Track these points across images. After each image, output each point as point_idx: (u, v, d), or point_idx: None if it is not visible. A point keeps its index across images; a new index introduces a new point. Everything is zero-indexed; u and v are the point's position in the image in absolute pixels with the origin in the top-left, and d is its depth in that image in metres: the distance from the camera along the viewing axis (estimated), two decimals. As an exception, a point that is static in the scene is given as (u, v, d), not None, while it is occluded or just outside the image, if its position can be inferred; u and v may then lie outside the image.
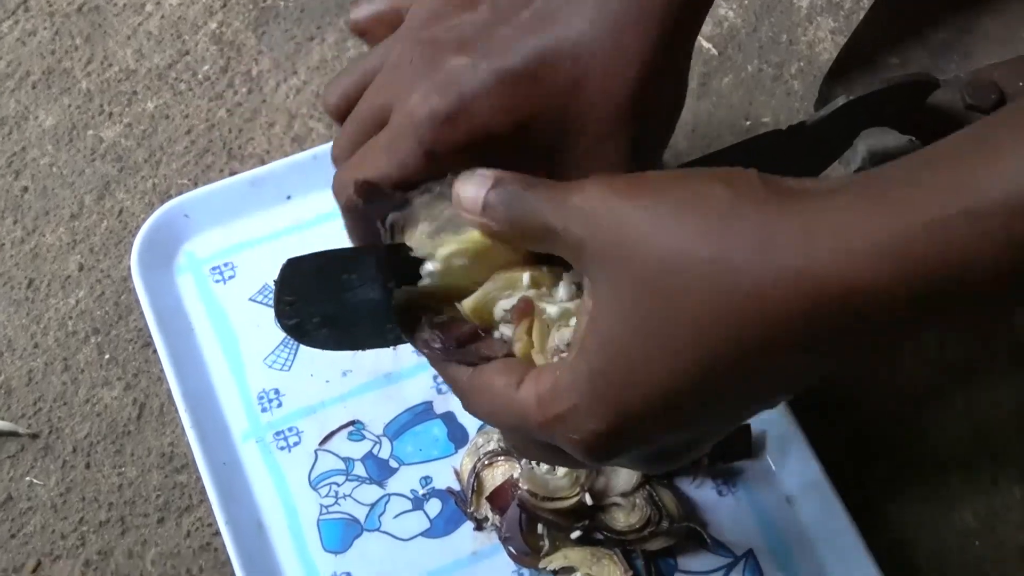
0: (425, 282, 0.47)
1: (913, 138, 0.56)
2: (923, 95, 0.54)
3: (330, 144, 0.76)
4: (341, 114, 0.53)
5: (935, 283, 0.34)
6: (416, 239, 0.48)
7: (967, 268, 0.34)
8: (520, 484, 0.63)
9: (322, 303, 0.49)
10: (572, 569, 0.63)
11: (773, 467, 0.67)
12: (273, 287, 0.50)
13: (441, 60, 0.46)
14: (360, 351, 0.70)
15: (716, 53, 0.82)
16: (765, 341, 0.36)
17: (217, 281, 0.73)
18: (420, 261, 0.48)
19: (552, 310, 0.43)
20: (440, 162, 0.46)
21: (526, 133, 0.45)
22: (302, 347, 0.70)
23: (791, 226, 0.36)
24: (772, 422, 0.67)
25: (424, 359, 0.70)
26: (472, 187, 0.43)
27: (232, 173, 0.77)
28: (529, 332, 0.43)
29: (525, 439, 0.44)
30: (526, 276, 0.44)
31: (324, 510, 0.67)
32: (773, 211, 0.36)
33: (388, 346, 0.54)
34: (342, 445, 0.68)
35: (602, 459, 0.41)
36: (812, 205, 0.36)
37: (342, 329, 0.51)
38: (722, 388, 0.37)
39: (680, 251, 0.36)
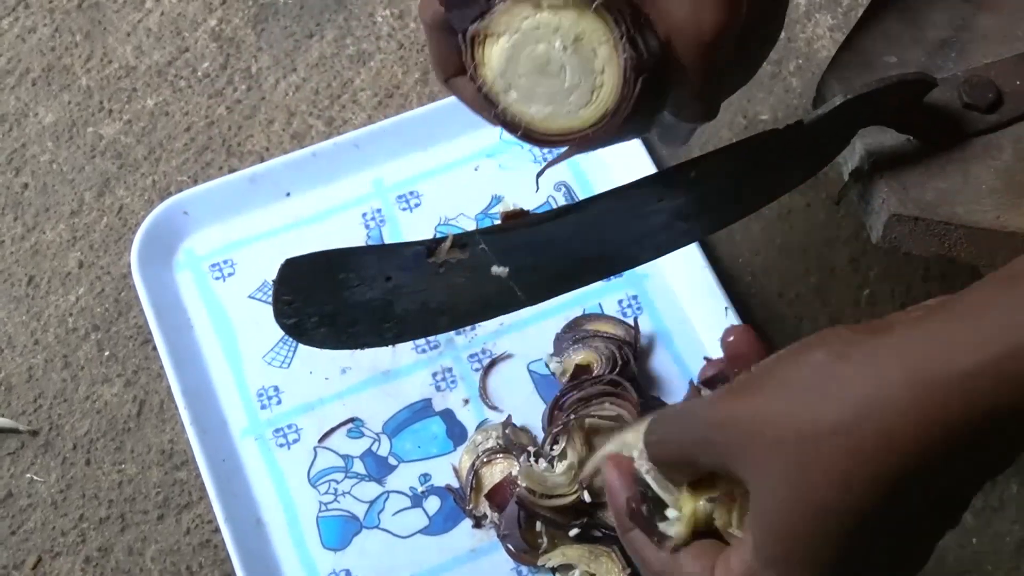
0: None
1: (911, 137, 0.56)
2: (920, 94, 0.54)
3: (329, 141, 0.76)
4: None
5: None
6: (491, 65, 0.47)
7: None
8: (519, 481, 0.63)
9: (320, 302, 0.50)
10: (570, 567, 0.63)
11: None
12: (272, 285, 0.50)
13: None
14: (359, 349, 0.71)
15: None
16: (893, 481, 0.37)
17: (217, 278, 0.73)
18: None
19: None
20: None
21: None
22: (301, 345, 0.71)
23: (885, 362, 0.37)
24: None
25: (423, 357, 0.71)
26: (623, 478, 0.46)
27: (231, 170, 0.77)
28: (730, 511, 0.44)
29: None
30: None
31: (323, 507, 0.67)
32: (866, 353, 0.38)
33: (386, 344, 0.54)
34: (341, 442, 0.69)
35: None
36: (899, 338, 0.38)
37: (341, 328, 0.51)
38: (879, 532, 0.38)
39: (796, 426, 0.38)
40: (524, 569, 0.65)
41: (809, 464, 0.38)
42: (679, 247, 0.55)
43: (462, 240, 0.51)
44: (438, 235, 0.68)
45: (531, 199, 0.72)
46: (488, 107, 0.48)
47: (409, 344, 0.71)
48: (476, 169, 0.77)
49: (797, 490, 0.38)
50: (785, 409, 0.39)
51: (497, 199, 0.75)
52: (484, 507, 0.65)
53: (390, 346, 0.70)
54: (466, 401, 0.70)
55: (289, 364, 0.71)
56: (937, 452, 0.36)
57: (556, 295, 0.55)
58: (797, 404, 0.39)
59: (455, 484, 0.67)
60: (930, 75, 0.54)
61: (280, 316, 0.49)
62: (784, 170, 0.56)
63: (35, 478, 0.69)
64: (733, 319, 0.70)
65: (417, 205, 0.76)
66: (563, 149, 0.49)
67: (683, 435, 0.43)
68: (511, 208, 0.53)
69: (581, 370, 0.68)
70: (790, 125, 0.53)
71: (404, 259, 0.50)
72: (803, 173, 0.56)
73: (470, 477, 0.66)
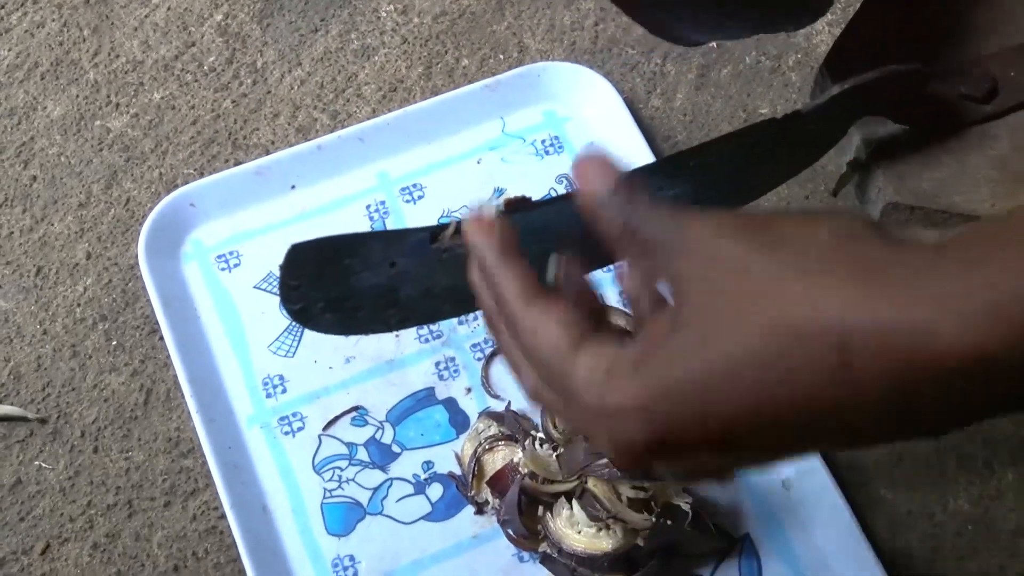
0: None
1: (907, 127, 0.57)
2: (917, 85, 0.55)
3: (334, 134, 0.77)
4: None
5: None
6: None
7: None
8: (521, 467, 0.64)
9: (326, 287, 0.50)
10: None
11: (770, 452, 0.68)
12: (278, 275, 0.51)
13: None
14: (363, 336, 0.71)
15: (715, 44, 0.83)
16: (838, 392, 0.34)
17: (223, 269, 0.74)
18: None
19: None
20: None
21: None
22: (306, 334, 0.72)
23: (892, 279, 0.34)
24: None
25: (426, 347, 0.72)
26: (597, 179, 0.42)
27: (237, 163, 0.78)
28: None
29: (548, 392, 0.42)
30: None
31: (328, 494, 0.68)
32: (869, 262, 0.35)
33: (390, 330, 0.55)
34: (345, 430, 0.70)
35: (626, 465, 0.40)
36: (918, 259, 0.34)
37: (345, 313, 0.52)
38: (777, 425, 0.36)
39: (770, 281, 0.36)
40: (525, 554, 0.66)
41: (761, 339, 0.35)
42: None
43: (465, 227, 0.52)
44: (441, 225, 0.69)
45: (533, 192, 0.72)
46: None
47: (412, 334, 0.72)
48: (479, 162, 0.78)
49: (728, 355, 0.35)
50: (769, 272, 0.36)
51: (499, 191, 0.76)
52: (486, 494, 0.66)
53: (394, 334, 0.71)
54: (468, 390, 0.71)
55: (294, 353, 0.72)
56: (903, 398, 0.34)
57: (558, 283, 0.55)
58: (784, 273, 0.36)
59: (457, 471, 0.68)
60: (926, 66, 0.55)
61: (287, 301, 0.50)
62: (782, 159, 0.57)
63: (44, 465, 0.69)
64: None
65: (421, 197, 0.77)
66: None
67: (652, 222, 0.40)
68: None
69: (582, 359, 0.68)
70: (788, 115, 0.54)
71: (408, 245, 0.50)
72: (801, 162, 0.57)
73: (472, 464, 0.67)
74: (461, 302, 0.55)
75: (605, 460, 0.61)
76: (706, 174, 0.55)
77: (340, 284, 0.50)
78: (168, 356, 0.70)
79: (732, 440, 0.37)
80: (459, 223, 0.52)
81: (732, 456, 0.38)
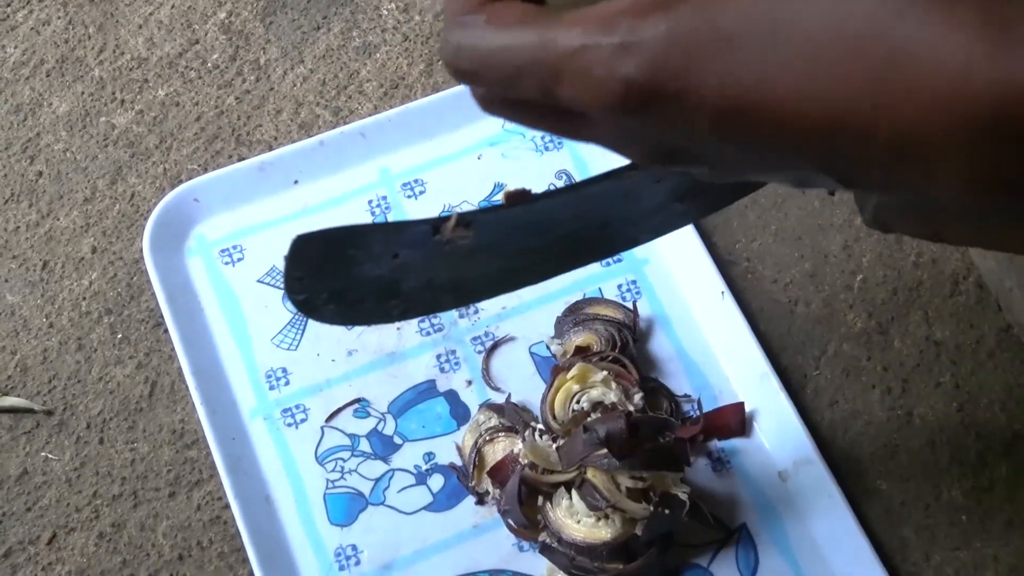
0: None
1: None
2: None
3: (336, 131, 0.78)
4: None
5: None
6: None
7: None
8: (521, 458, 0.65)
9: (329, 278, 0.51)
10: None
11: (766, 444, 0.69)
12: (281, 269, 0.52)
13: None
14: (365, 329, 0.72)
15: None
16: (891, 121, 0.30)
17: (226, 263, 0.75)
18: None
19: None
20: None
21: None
22: (309, 327, 0.73)
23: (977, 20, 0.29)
24: (765, 400, 0.69)
25: (427, 340, 0.72)
26: None
27: (241, 159, 0.79)
28: None
29: (499, 79, 0.37)
30: None
31: (330, 484, 0.69)
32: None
33: (392, 322, 0.56)
34: (348, 422, 0.70)
35: (605, 111, 0.34)
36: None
37: (348, 304, 0.52)
38: (802, 121, 0.31)
39: None
40: (525, 544, 0.67)
41: (814, 20, 0.30)
42: (676, 228, 0.57)
43: (466, 219, 0.52)
44: (443, 219, 0.70)
45: (533, 187, 0.73)
46: None
47: (414, 327, 0.73)
48: (479, 158, 0.79)
49: (772, 23, 0.31)
50: None
51: (500, 187, 0.77)
52: (486, 484, 0.67)
53: (395, 328, 0.72)
54: (469, 382, 0.71)
55: (297, 346, 0.72)
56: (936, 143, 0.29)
57: (558, 274, 0.56)
58: None
59: (458, 462, 0.69)
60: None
61: (290, 292, 0.51)
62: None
63: (50, 456, 0.70)
64: (730, 303, 0.71)
65: (422, 193, 0.77)
66: None
67: None
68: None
69: (581, 351, 0.69)
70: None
71: (410, 237, 0.51)
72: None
73: (473, 455, 0.68)
74: (462, 294, 0.56)
75: (604, 451, 0.62)
76: None
77: (343, 275, 0.51)
78: (172, 349, 0.71)
79: (741, 119, 0.32)
80: (460, 216, 0.53)
81: (724, 144, 0.33)
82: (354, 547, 0.67)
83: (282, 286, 0.53)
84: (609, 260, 0.75)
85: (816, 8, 0.31)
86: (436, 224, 0.53)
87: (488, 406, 0.70)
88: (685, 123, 0.33)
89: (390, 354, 0.72)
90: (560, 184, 0.77)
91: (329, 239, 0.51)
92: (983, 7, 0.30)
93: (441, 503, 0.68)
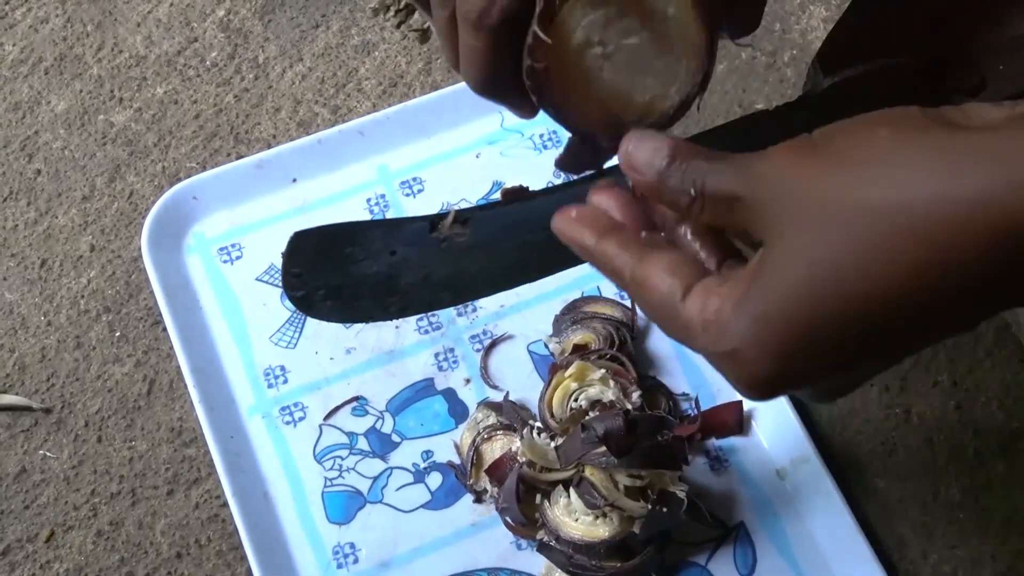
0: None
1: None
2: (906, 78, 0.55)
3: (334, 129, 0.78)
4: None
5: None
6: None
7: None
8: (519, 456, 0.65)
9: (327, 275, 0.51)
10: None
11: (764, 442, 0.69)
12: (279, 267, 0.52)
13: None
14: (363, 327, 0.72)
15: (712, 41, 0.84)
16: (942, 279, 0.35)
17: (225, 261, 0.75)
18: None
19: None
20: None
21: None
22: (307, 325, 0.73)
23: (964, 158, 0.35)
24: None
25: (425, 338, 0.72)
26: (646, 153, 0.42)
27: (239, 157, 0.79)
28: None
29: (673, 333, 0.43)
30: None
31: (328, 483, 0.69)
32: (939, 145, 0.36)
33: (390, 319, 0.56)
34: (346, 420, 0.70)
35: (758, 399, 0.41)
36: (983, 137, 0.36)
37: (346, 301, 0.52)
38: (894, 330, 0.36)
39: (848, 199, 0.36)
40: (522, 542, 0.67)
41: (847, 239, 0.36)
42: (674, 225, 0.57)
43: (463, 216, 0.53)
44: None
45: (531, 185, 0.73)
46: None
47: (412, 325, 0.73)
48: (478, 156, 0.79)
49: (821, 263, 0.36)
50: (841, 181, 0.37)
51: (498, 185, 0.77)
52: (484, 482, 0.67)
53: (394, 326, 0.72)
54: (467, 380, 0.71)
55: (295, 344, 0.72)
56: (1000, 259, 0.34)
57: (555, 272, 0.56)
58: (855, 178, 0.36)
59: (456, 460, 0.69)
60: (914, 60, 0.56)
61: (288, 288, 0.51)
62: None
63: (48, 454, 0.70)
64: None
65: (420, 191, 0.77)
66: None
67: (732, 186, 0.39)
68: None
69: (579, 349, 0.69)
70: (780, 106, 0.55)
71: (408, 234, 0.51)
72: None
73: (471, 453, 0.68)
74: (460, 291, 0.56)
75: (603, 449, 0.62)
76: None
77: (341, 272, 0.51)
78: (171, 347, 0.71)
79: (847, 348, 0.37)
80: (457, 212, 0.53)
81: (852, 366, 0.39)
82: (352, 545, 0.67)
83: (280, 284, 0.53)
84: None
85: None
86: (433, 221, 0.53)
87: (486, 404, 0.70)
88: (814, 375, 0.40)
89: (388, 352, 0.72)
90: (558, 182, 0.77)
91: (327, 235, 0.51)
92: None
93: (439, 501, 0.68)
